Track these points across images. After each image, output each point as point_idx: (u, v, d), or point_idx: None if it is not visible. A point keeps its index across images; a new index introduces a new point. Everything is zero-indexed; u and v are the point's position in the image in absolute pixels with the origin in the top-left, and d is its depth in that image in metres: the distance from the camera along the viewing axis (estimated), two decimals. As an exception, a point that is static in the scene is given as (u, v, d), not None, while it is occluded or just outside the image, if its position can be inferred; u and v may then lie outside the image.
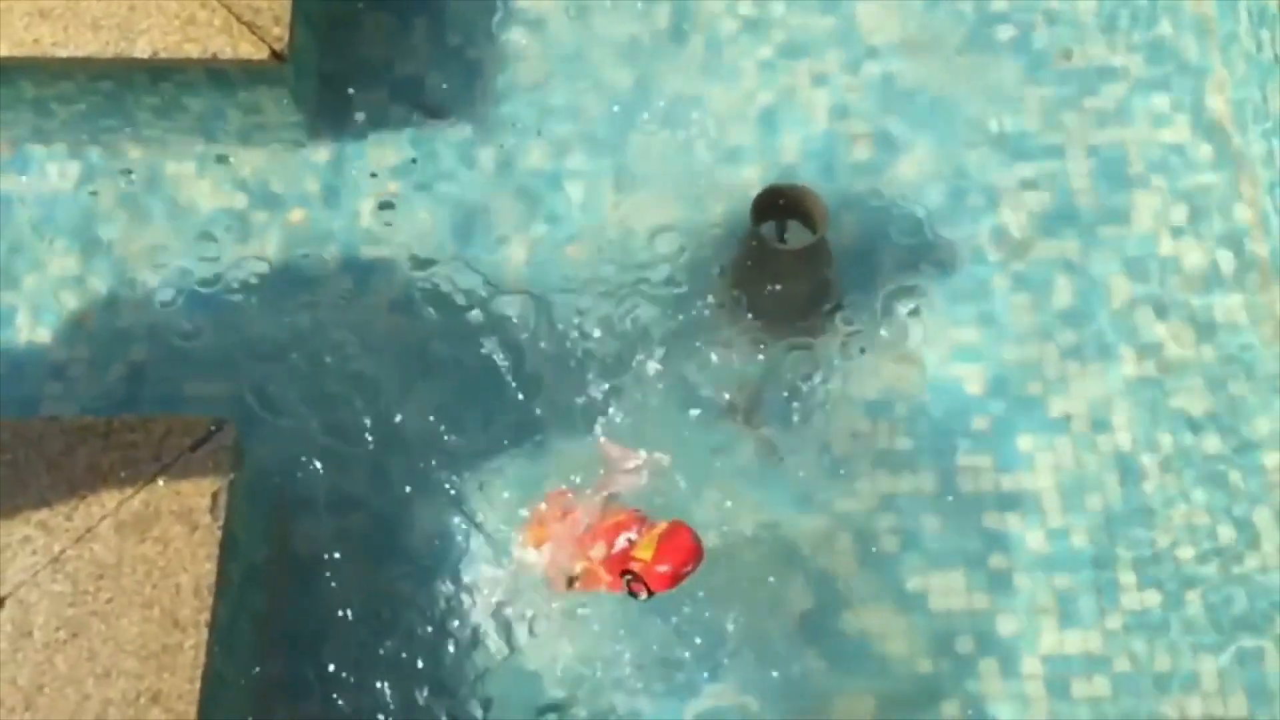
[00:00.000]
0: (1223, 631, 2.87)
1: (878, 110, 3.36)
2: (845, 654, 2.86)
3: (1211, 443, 3.03)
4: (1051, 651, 2.86)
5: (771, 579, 2.90)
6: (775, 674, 2.83)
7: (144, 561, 2.64)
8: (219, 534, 2.66)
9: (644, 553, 2.57)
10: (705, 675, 2.83)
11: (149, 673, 2.55)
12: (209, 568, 2.63)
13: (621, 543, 2.62)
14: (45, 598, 2.61)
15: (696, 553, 2.58)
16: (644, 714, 2.81)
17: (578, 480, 2.81)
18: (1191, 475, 3.00)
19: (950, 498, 2.98)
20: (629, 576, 2.57)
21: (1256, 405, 3.06)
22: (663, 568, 2.56)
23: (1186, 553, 2.94)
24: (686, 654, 2.84)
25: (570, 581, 2.72)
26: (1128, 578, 2.92)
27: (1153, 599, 2.90)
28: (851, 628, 2.88)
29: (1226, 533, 2.96)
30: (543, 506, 2.80)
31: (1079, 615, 2.89)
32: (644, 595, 2.57)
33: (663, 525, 2.63)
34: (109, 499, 2.69)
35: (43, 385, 3.06)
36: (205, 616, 2.60)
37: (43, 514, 2.67)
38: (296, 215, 3.23)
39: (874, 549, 2.94)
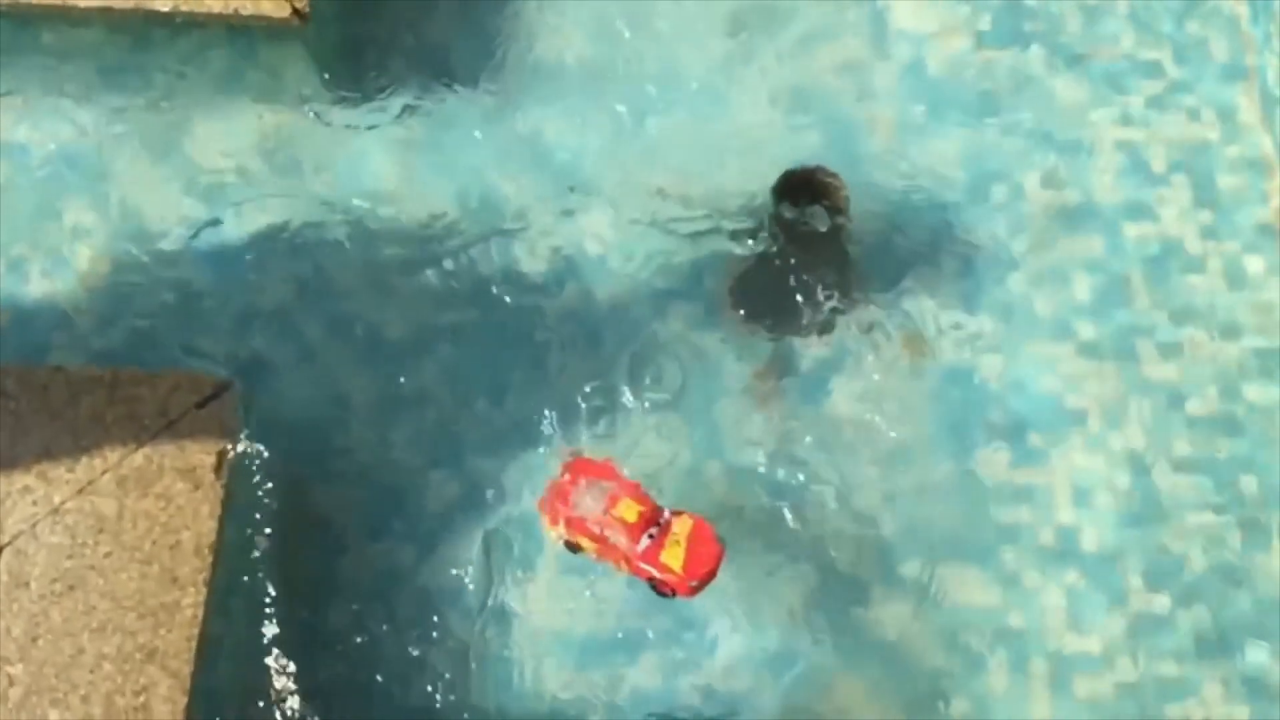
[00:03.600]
0: (1229, 637, 2.84)
1: (902, 98, 3.32)
2: (852, 646, 2.83)
3: (1225, 446, 3.00)
4: (1057, 650, 2.83)
5: (779, 568, 2.87)
6: (780, 664, 2.81)
7: (145, 517, 2.61)
8: (222, 493, 2.64)
9: (672, 560, 2.60)
10: (708, 664, 2.80)
11: (145, 629, 2.53)
12: (211, 526, 2.61)
13: (645, 542, 2.62)
14: (43, 549, 2.58)
15: (721, 556, 2.63)
16: (644, 696, 2.77)
17: (588, 451, 2.80)
18: (1204, 478, 2.97)
19: (962, 491, 2.95)
20: (655, 585, 2.63)
21: (1273, 409, 3.02)
22: (694, 581, 2.62)
23: (1195, 556, 2.91)
24: (689, 642, 2.81)
25: (575, 548, 2.71)
26: (1136, 579, 2.89)
27: (1160, 602, 2.87)
28: (859, 619, 2.85)
29: (1235, 537, 2.93)
30: (561, 477, 2.76)
31: (1086, 615, 2.86)
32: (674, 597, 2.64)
33: (685, 522, 2.64)
34: (111, 452, 2.66)
35: (50, 335, 3.02)
36: (205, 575, 2.58)
37: (44, 464, 2.64)
38: (312, 177, 3.19)
39: (884, 541, 2.91)
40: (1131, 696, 2.80)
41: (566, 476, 2.70)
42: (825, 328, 3.08)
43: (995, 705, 2.79)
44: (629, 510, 2.64)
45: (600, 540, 2.64)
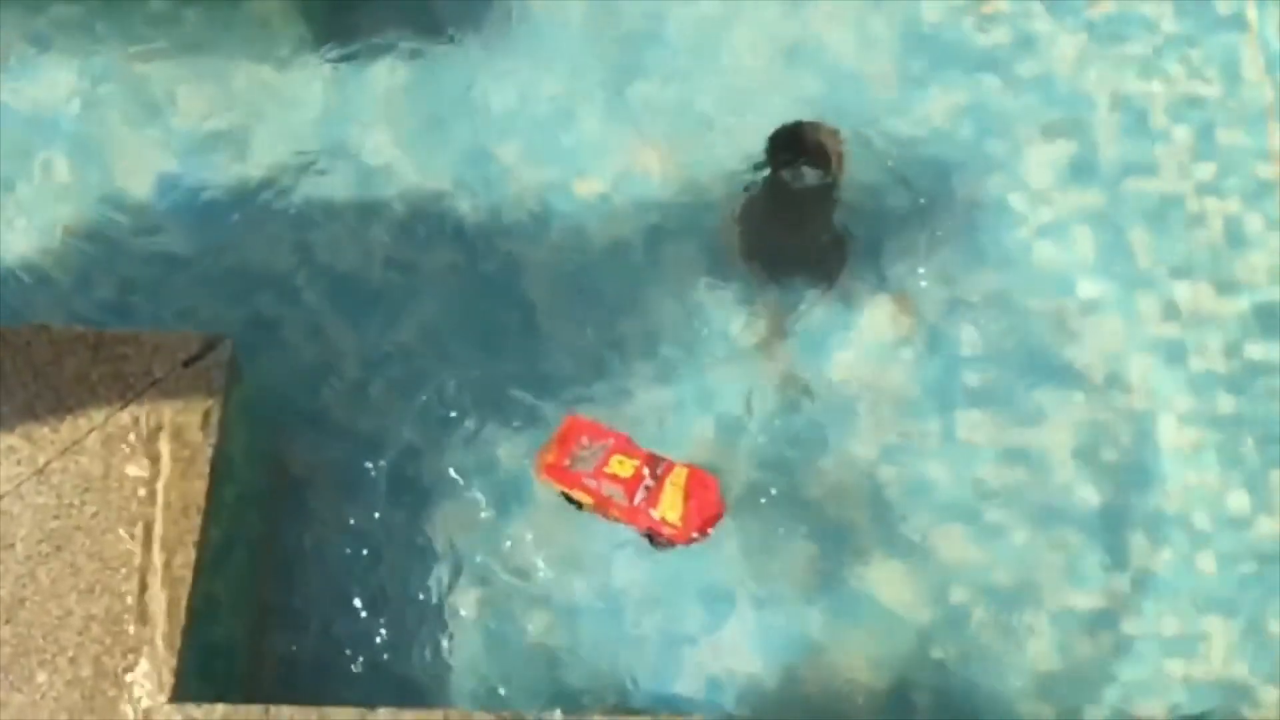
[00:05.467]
0: (1231, 596, 2.82)
1: (901, 52, 3.28)
2: (846, 603, 2.80)
3: (1228, 404, 2.97)
4: (1057, 609, 2.81)
5: (771, 526, 2.84)
6: (774, 620, 2.77)
7: (132, 477, 2.57)
8: (210, 453, 2.58)
9: (671, 514, 2.56)
10: (702, 621, 2.77)
11: (134, 591, 2.48)
12: (199, 486, 2.54)
13: (641, 494, 2.58)
14: (29, 509, 2.52)
15: (719, 505, 2.59)
16: (640, 660, 2.74)
17: (585, 410, 2.77)
18: (1206, 436, 2.95)
19: (960, 449, 2.92)
20: (652, 537, 2.60)
21: (1274, 367, 3.00)
22: (693, 532, 2.58)
23: (1198, 515, 2.89)
24: (684, 599, 2.78)
25: (574, 503, 2.67)
26: (1138, 538, 2.87)
27: (1162, 560, 2.85)
28: (853, 577, 2.82)
29: (1239, 496, 2.90)
30: (555, 434, 2.72)
31: (1086, 574, 2.83)
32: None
33: (680, 472, 2.60)
34: (97, 412, 2.60)
35: (31, 295, 2.96)
36: (193, 536, 2.52)
37: (28, 424, 2.58)
38: (298, 131, 3.14)
39: (880, 498, 2.88)
40: (1133, 655, 2.78)
41: (561, 433, 2.67)
42: (825, 285, 3.04)
43: (992, 666, 2.76)
44: (623, 465, 2.61)
45: (596, 494, 2.61)
